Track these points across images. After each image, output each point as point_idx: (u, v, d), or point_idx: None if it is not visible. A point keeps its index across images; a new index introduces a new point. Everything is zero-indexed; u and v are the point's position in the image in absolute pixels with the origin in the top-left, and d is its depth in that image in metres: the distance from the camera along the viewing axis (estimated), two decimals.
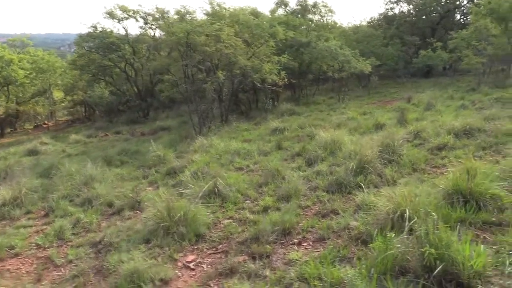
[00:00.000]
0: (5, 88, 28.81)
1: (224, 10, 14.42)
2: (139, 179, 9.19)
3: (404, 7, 33.18)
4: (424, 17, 31.32)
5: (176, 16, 13.68)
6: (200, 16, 14.46)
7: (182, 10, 13.76)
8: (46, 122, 34.49)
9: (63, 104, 33.59)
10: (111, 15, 24.48)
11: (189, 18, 14.27)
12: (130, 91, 25.76)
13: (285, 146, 10.59)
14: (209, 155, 10.32)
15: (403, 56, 28.58)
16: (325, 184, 6.50)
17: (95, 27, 24.41)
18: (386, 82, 29.23)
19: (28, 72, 29.03)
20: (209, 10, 14.57)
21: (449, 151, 7.92)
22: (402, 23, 30.67)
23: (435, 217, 3.67)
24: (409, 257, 3.52)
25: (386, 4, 35.67)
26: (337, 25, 31.35)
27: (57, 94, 34.38)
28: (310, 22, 24.31)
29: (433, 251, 3.29)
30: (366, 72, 21.15)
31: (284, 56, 15.67)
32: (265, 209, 5.86)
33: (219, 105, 15.04)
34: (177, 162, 9.55)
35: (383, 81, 30.46)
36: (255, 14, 17.80)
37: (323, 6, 33.84)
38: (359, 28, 30.29)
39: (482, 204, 4.45)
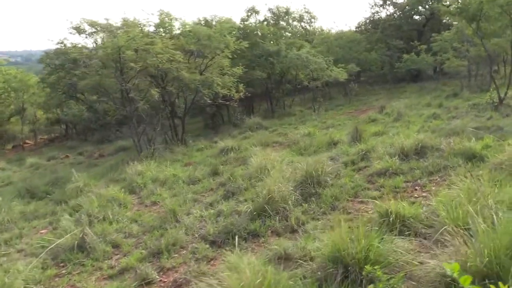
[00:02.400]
0: None
1: (172, 22, 13.21)
2: (40, 218, 7.96)
3: (390, 10, 31.88)
4: (409, 20, 29.99)
5: (119, 30, 12.51)
6: (150, 28, 13.26)
7: (128, 21, 12.59)
8: (26, 141, 33.51)
9: (40, 123, 32.58)
10: (78, 30, 23.44)
11: (137, 29, 13.07)
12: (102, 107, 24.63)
13: (221, 171, 9.29)
14: (129, 185, 9.08)
15: (388, 61, 27.25)
16: (214, 231, 5.18)
17: (62, 42, 23.36)
18: (372, 88, 27.95)
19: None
20: (157, 21, 13.42)
21: (389, 178, 6.58)
22: (387, 26, 29.36)
23: None
24: None
25: (371, 8, 34.49)
26: (321, 31, 30.15)
27: (40, 112, 33.42)
28: (282, 30, 23.04)
29: None
30: (341, 79, 19.83)
31: (238, 67, 14.41)
32: (122, 272, 4.56)
33: (172, 124, 13.80)
34: (87, 196, 8.26)
35: (370, 87, 29.21)
36: (209, 24, 16.59)
37: (306, 12, 33.08)
38: (343, 34, 28.99)
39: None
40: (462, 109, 13.53)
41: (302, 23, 31.28)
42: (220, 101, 14.33)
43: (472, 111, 12.67)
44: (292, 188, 5.92)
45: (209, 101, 13.14)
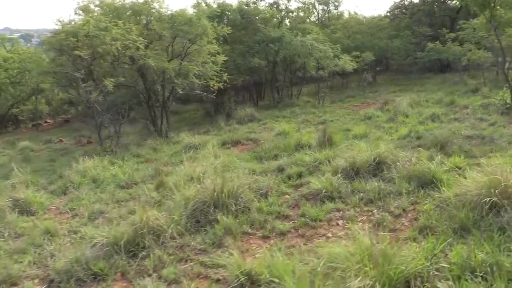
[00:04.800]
0: None
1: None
2: None
3: None
4: (442, 5, 27.44)
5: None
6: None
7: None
8: (47, 120, 33.85)
9: (56, 103, 32.69)
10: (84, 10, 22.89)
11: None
12: None
13: (166, 174, 8.26)
14: (64, 185, 8.25)
15: (414, 49, 25.02)
16: (57, 268, 4.17)
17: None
18: (395, 78, 25.96)
19: (15, 72, 28.16)
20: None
21: (318, 203, 5.35)
22: (415, 12, 26.99)
23: None
24: None
25: None
26: (340, 16, 28.22)
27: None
28: (290, 13, 21.45)
29: None
30: (348, 70, 18.20)
31: (220, 55, 13.16)
32: None
33: (151, 115, 12.91)
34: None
35: (393, 76, 27.18)
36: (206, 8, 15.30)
37: None
38: (365, 19, 26.96)
39: None
40: (471, 109, 11.76)
41: (323, 7, 29.42)
42: (197, 92, 13.22)
43: (479, 113, 10.92)
44: (183, 213, 4.82)
45: (180, 92, 12.05)
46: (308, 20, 30.77)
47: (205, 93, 13.15)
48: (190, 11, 14.00)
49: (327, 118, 13.91)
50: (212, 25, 12.71)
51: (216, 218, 4.90)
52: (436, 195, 4.72)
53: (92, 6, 11.99)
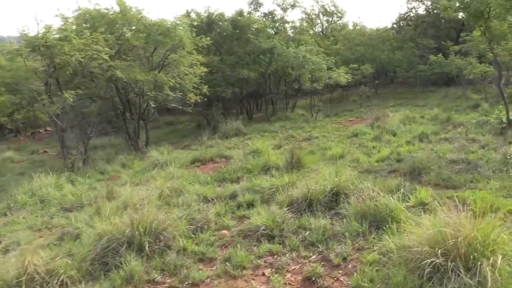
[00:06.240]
0: None
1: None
2: None
3: (428, 4, 28.42)
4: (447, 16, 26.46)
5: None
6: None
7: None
8: (47, 128, 33.53)
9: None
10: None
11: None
12: None
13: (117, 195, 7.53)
14: (8, 206, 7.59)
15: (417, 62, 24.12)
16: None
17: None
18: (398, 91, 25.06)
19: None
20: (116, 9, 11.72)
21: (254, 243, 4.55)
22: (419, 24, 26.11)
23: None
24: None
25: (408, 3, 31.18)
26: (343, 27, 27.47)
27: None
28: (284, 24, 20.73)
29: None
30: (341, 83, 17.42)
31: (199, 67, 12.45)
32: None
33: (125, 128, 12.27)
34: None
35: (396, 89, 26.27)
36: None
37: (333, 6, 30.43)
38: (366, 31, 26.19)
39: None
40: (465, 127, 10.84)
41: (328, 18, 28.74)
42: (172, 105, 12.52)
43: (472, 132, 9.99)
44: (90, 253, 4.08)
45: (153, 105, 11.35)
46: (312, 31, 30.20)
47: (180, 106, 12.43)
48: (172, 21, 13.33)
49: (313, 134, 13.11)
50: (192, 35, 12.04)
51: (126, 260, 4.14)
52: (383, 243, 3.89)
53: (67, 14, 11.41)
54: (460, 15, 10.33)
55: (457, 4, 9.62)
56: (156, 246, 4.44)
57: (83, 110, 14.61)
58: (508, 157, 6.55)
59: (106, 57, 9.66)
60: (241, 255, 4.20)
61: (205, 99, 17.38)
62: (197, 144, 13.66)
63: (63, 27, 9.97)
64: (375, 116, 13.61)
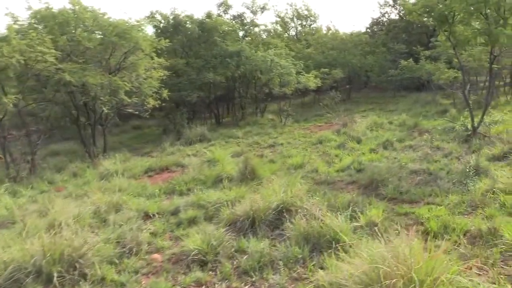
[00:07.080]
0: None
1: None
2: None
3: (400, 10, 28.52)
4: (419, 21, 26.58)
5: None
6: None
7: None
8: (11, 132, 32.25)
9: None
10: None
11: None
12: None
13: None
14: None
15: (389, 67, 24.09)
16: None
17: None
18: (370, 96, 24.99)
19: None
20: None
21: (183, 271, 4.04)
22: (391, 28, 26.14)
23: None
24: None
25: (380, 8, 31.27)
26: (316, 31, 27.28)
27: None
28: (254, 27, 20.32)
29: None
30: (310, 87, 17.10)
31: (158, 70, 11.88)
32: None
33: (81, 135, 11.56)
34: None
35: (369, 94, 26.20)
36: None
37: (306, 10, 30.26)
38: (339, 35, 26.05)
39: None
40: (430, 134, 10.58)
41: (299, 21, 28.52)
42: (128, 110, 11.91)
43: (438, 140, 9.72)
44: None
45: (106, 110, 10.70)
46: (286, 35, 29.90)
47: (136, 112, 11.82)
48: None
49: (279, 140, 12.69)
50: (151, 37, 11.47)
51: None
52: (317, 277, 3.43)
53: (16, 14, 10.65)
54: (425, 19, 10.04)
55: (421, 8, 9.33)
56: (69, 276, 3.88)
57: (40, 115, 13.85)
58: (468, 169, 6.22)
59: (51, 59, 8.99)
60: (163, 287, 3.68)
61: (173, 103, 16.86)
62: (159, 151, 13.10)
63: (5, 28, 9.27)
64: (343, 122, 13.29)
